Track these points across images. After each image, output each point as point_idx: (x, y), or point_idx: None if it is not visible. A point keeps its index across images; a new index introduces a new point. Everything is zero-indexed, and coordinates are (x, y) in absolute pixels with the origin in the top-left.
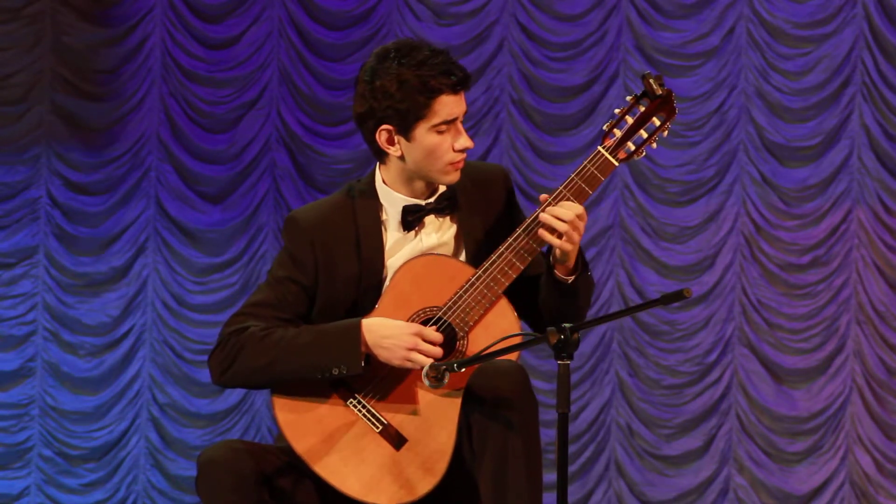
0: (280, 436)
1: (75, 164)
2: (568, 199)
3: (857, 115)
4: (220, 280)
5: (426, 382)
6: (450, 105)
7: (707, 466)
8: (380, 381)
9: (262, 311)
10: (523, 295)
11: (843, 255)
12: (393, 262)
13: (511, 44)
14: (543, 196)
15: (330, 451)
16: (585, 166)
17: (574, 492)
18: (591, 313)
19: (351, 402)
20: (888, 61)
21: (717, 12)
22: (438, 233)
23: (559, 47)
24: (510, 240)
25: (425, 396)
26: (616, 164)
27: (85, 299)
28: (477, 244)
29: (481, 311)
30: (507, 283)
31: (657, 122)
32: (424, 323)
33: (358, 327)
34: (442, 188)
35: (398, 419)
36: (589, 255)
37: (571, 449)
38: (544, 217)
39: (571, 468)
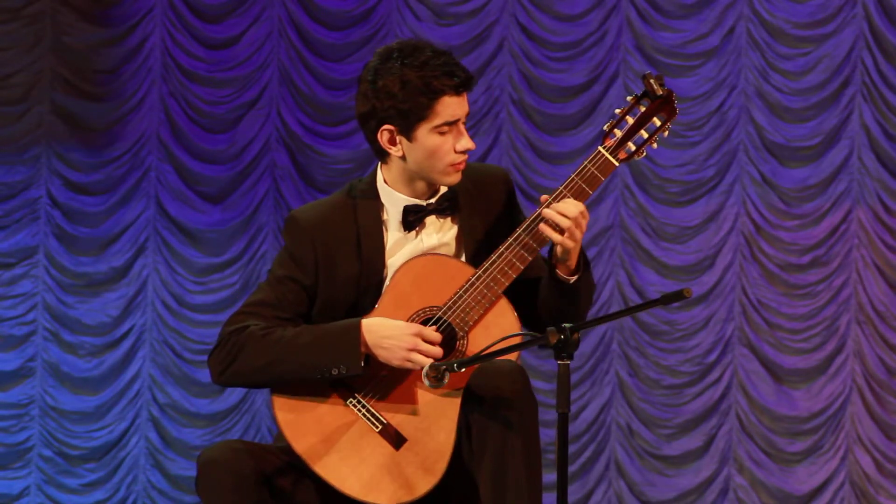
0: (280, 435)
1: (75, 164)
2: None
3: (857, 115)
4: (220, 280)
5: (426, 382)
6: (452, 106)
7: (707, 466)
8: (379, 380)
9: (263, 311)
10: (523, 298)
11: (843, 255)
12: (393, 261)
13: (511, 44)
14: (544, 196)
15: (329, 450)
16: (586, 166)
17: (574, 492)
18: (591, 313)
19: (350, 402)
20: (888, 61)
21: (717, 12)
22: (439, 233)
23: (559, 47)
24: (510, 239)
25: (425, 396)
26: (616, 164)
27: (85, 299)
28: (477, 245)
29: (481, 311)
30: (507, 283)
31: (658, 123)
32: (424, 323)
33: (358, 327)
34: (443, 189)
35: (398, 419)
36: (589, 255)
37: (571, 449)
38: (548, 213)
39: (571, 468)
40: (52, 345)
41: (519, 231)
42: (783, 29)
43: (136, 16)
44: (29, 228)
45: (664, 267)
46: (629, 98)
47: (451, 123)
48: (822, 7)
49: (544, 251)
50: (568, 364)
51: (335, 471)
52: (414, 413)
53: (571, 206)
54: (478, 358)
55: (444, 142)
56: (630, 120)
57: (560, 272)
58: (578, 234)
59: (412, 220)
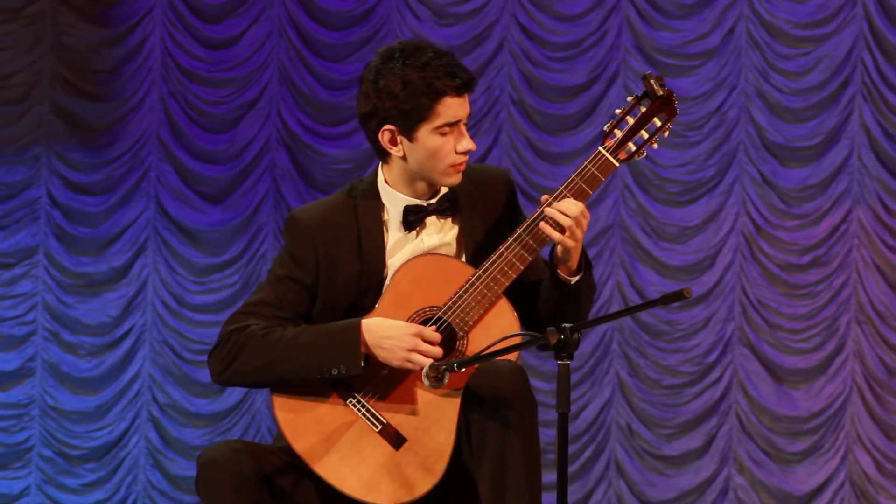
0: (280, 435)
1: (75, 164)
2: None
3: (857, 115)
4: (220, 280)
5: (426, 382)
6: (453, 107)
7: (707, 466)
8: (379, 380)
9: (263, 310)
10: (524, 299)
11: (843, 255)
12: (394, 261)
13: (511, 44)
14: (545, 196)
15: (329, 450)
16: (586, 166)
17: (574, 492)
18: (591, 313)
19: (350, 402)
20: (888, 61)
21: (717, 12)
22: (440, 234)
23: (559, 47)
24: (511, 240)
25: (424, 396)
26: (617, 164)
27: (85, 299)
28: (478, 246)
29: (481, 311)
30: (507, 283)
31: (658, 123)
32: (424, 323)
33: (358, 328)
34: (444, 189)
35: (397, 419)
36: (589, 255)
37: (571, 449)
38: (549, 211)
39: (571, 468)
40: (52, 345)
41: (519, 231)
42: (783, 29)
43: (136, 16)
44: (29, 228)
45: (664, 267)
46: (629, 98)
47: (453, 124)
48: (822, 7)
49: (545, 253)
50: (568, 364)
51: (335, 471)
52: (414, 413)
53: (572, 206)
54: (478, 358)
55: (445, 142)
56: (630, 120)
57: (561, 273)
58: (579, 234)
59: (412, 220)
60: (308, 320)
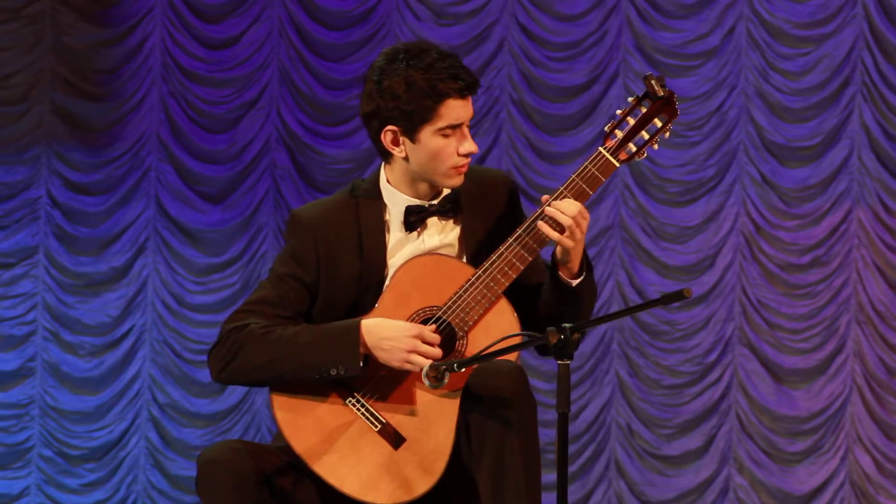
0: (279, 435)
1: (75, 164)
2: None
3: (857, 115)
4: (220, 280)
5: (426, 382)
6: (456, 109)
7: (707, 466)
8: (379, 380)
9: (264, 308)
10: (525, 302)
11: (843, 255)
12: (394, 261)
13: (511, 44)
14: (545, 197)
15: (328, 450)
16: (586, 167)
17: (574, 492)
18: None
19: (350, 401)
20: (888, 61)
21: (717, 12)
22: (441, 234)
23: (559, 47)
24: (511, 240)
25: (424, 396)
26: (617, 164)
27: (85, 299)
28: (479, 247)
29: (481, 311)
30: (507, 284)
31: (659, 124)
32: (424, 322)
33: (357, 328)
34: (446, 190)
35: (397, 418)
36: (589, 255)
37: (571, 449)
38: (548, 210)
39: (571, 468)
40: (52, 345)
41: (519, 231)
42: (783, 29)
43: (136, 16)
44: (29, 228)
45: (664, 267)
46: (630, 99)
47: (455, 126)
48: (822, 7)
49: (547, 255)
50: (568, 364)
51: (334, 470)
52: (413, 413)
53: (571, 205)
54: (478, 358)
55: (447, 144)
56: (631, 121)
57: (562, 275)
58: (578, 234)
59: (413, 220)
60: (309, 319)
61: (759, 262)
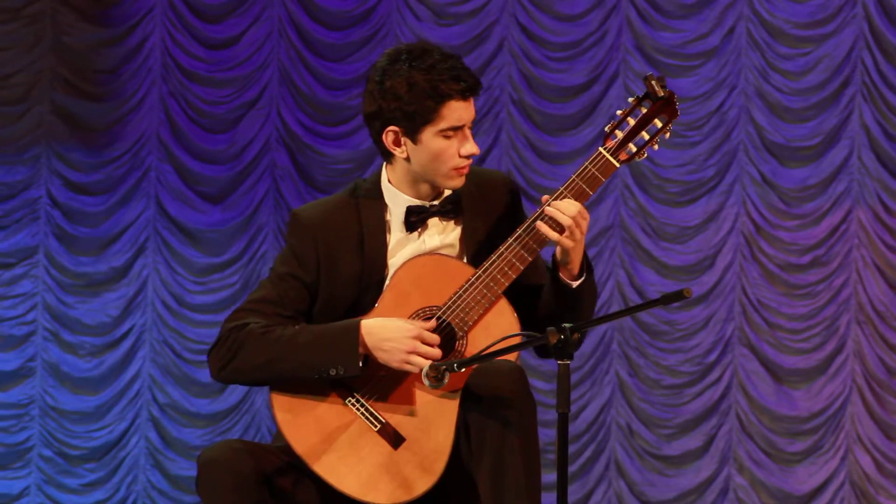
0: (279, 435)
1: (75, 164)
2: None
3: (857, 115)
4: (220, 280)
5: (426, 382)
6: (458, 111)
7: (707, 466)
8: (378, 380)
9: (264, 308)
10: (525, 303)
11: (843, 255)
12: (395, 261)
13: (511, 44)
14: (545, 197)
15: (328, 450)
16: (586, 167)
17: (574, 492)
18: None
19: (349, 401)
20: (888, 61)
21: (717, 12)
22: (442, 235)
23: (559, 47)
24: (511, 240)
25: (423, 396)
26: (617, 165)
27: (85, 299)
28: (480, 248)
29: (481, 311)
30: (507, 284)
31: (659, 124)
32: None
33: (357, 329)
34: (447, 191)
35: (396, 418)
36: (589, 255)
37: (571, 449)
38: (548, 210)
39: (571, 468)
40: (52, 345)
41: (519, 231)
42: (783, 29)
43: (136, 16)
44: (29, 228)
45: (664, 267)
46: (630, 99)
47: (457, 128)
48: (822, 7)
49: (547, 256)
50: (568, 364)
51: (334, 470)
52: (413, 413)
53: (570, 205)
54: (477, 358)
55: (448, 146)
56: (631, 121)
57: (563, 276)
58: (578, 234)
59: (414, 220)
60: (309, 318)
61: (759, 262)
